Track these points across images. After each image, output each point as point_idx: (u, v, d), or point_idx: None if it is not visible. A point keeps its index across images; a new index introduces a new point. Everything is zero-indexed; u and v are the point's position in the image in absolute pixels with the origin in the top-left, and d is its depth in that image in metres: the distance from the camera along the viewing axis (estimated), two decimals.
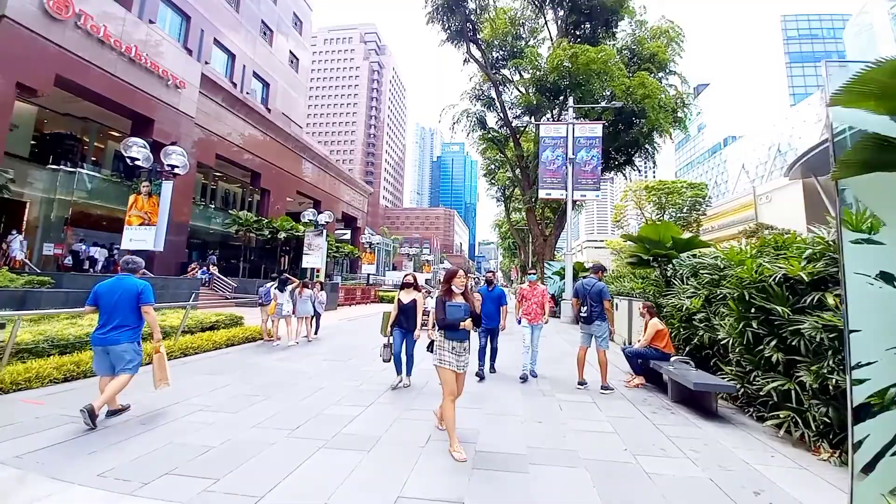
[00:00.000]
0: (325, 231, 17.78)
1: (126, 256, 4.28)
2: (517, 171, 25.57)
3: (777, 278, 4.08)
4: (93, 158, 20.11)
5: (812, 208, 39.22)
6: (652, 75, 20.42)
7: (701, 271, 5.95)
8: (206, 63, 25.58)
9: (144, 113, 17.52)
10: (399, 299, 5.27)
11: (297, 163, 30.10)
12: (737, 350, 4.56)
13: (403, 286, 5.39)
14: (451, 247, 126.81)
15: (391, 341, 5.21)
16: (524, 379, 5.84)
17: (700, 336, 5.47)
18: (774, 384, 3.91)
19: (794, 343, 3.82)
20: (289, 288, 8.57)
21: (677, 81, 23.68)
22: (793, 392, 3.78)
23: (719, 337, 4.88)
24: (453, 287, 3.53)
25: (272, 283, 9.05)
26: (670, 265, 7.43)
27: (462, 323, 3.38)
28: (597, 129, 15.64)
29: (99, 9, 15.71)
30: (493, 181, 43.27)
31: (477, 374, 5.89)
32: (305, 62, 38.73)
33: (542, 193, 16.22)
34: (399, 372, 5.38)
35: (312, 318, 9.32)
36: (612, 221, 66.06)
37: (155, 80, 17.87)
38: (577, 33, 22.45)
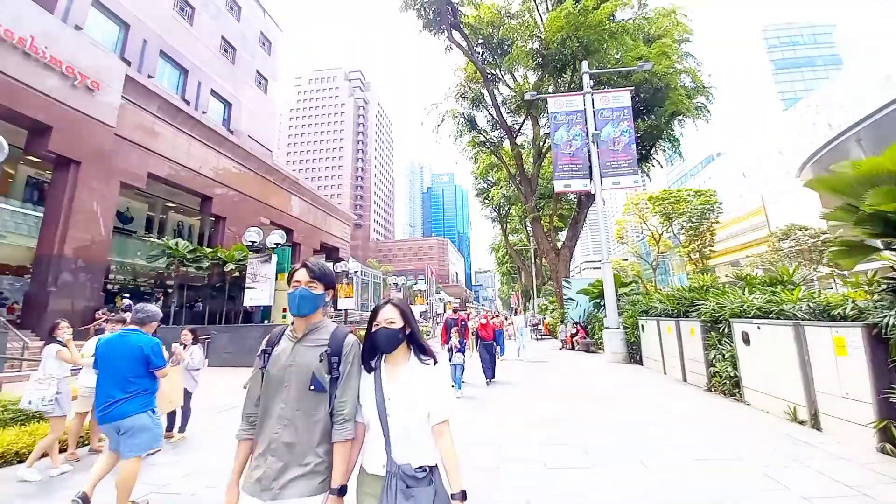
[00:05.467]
0: (273, 257, 13.42)
1: (138, 304, 3.34)
2: (517, 177, 21.79)
3: None
4: None
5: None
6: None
7: None
8: (150, 77, 22.18)
9: (39, 119, 13.62)
10: None
11: (264, 187, 26.19)
12: None
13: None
14: (447, 276, 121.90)
15: None
16: None
17: None
18: None
19: None
20: (87, 345, 3.98)
21: (692, 65, 20.59)
22: None
23: None
24: None
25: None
26: None
27: None
28: (624, 98, 11.84)
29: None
30: (486, 200, 39.71)
31: None
32: (276, 84, 35.85)
33: (558, 185, 12.15)
34: None
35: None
36: (616, 238, 62.30)
37: (56, 78, 14.09)
38: None
